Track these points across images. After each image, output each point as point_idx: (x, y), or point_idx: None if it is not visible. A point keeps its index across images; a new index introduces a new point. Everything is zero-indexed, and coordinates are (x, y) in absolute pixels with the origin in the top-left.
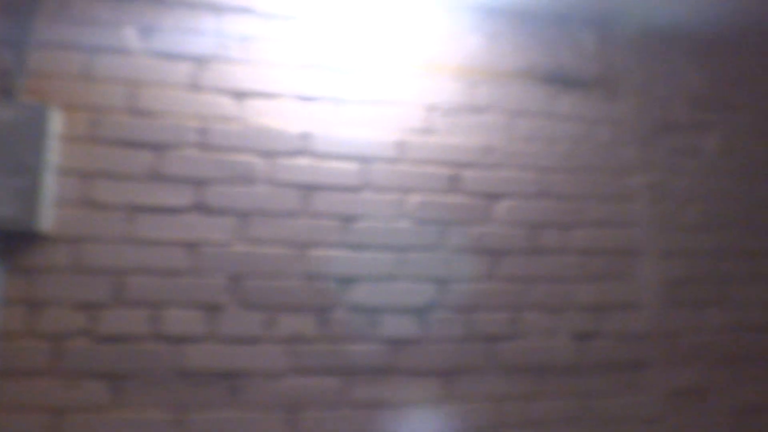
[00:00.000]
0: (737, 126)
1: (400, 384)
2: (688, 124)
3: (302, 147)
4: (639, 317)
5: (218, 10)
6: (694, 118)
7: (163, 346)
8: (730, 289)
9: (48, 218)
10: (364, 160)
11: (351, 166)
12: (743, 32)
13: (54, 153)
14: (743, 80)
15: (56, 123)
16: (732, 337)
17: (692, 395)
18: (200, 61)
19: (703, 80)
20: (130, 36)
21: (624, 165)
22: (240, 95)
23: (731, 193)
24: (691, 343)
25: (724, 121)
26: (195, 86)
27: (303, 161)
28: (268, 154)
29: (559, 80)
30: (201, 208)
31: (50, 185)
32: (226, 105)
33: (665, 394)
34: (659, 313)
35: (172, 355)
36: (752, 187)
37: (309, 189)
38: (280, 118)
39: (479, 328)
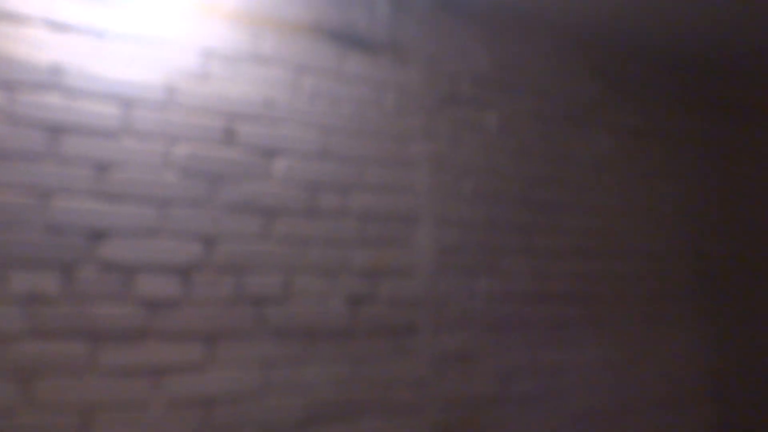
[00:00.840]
0: (515, 107)
1: (156, 349)
2: (471, 100)
3: (51, 82)
4: (412, 283)
5: None
6: (477, 95)
7: None
8: (498, 260)
9: None
10: (125, 102)
11: (110, 109)
12: (526, 18)
13: None
14: (523, 65)
15: None
16: (498, 305)
17: (459, 359)
18: None
19: (488, 60)
20: None
21: (407, 132)
22: None
23: (505, 170)
24: (461, 309)
25: (503, 102)
26: None
27: (51, 98)
28: (9, 86)
29: (348, 40)
30: None
31: None
32: None
33: (434, 358)
34: (432, 280)
35: None
36: (524, 165)
37: (57, 130)
38: (25, 46)
39: (249, 291)
